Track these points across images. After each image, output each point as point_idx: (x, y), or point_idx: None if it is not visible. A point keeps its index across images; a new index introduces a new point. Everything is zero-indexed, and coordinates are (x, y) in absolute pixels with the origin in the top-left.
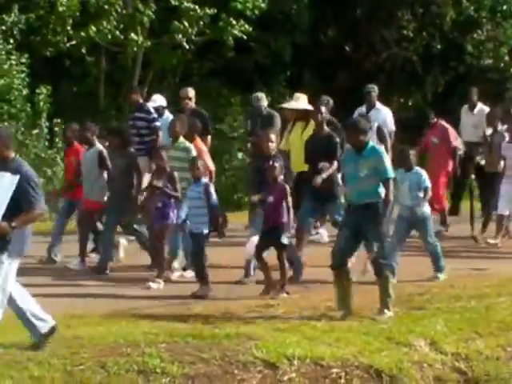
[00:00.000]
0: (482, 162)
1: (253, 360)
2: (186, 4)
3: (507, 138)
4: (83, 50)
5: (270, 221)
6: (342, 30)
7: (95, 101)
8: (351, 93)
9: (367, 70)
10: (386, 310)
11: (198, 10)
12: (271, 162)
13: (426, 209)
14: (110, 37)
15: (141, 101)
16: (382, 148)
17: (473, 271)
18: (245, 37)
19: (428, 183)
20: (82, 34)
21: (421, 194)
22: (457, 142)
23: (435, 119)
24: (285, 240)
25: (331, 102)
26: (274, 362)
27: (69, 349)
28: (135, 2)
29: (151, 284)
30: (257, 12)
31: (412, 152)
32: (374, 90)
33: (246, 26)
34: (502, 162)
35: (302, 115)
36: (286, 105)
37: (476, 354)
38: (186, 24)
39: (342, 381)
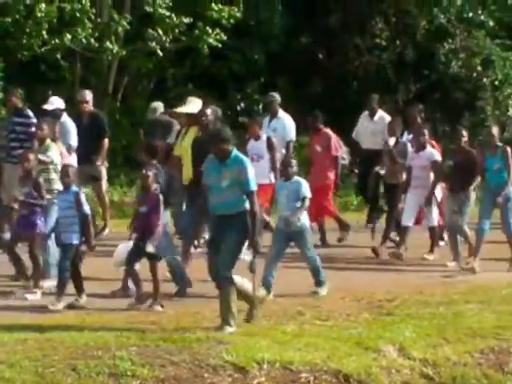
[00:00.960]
0: (382, 172)
1: (223, 364)
2: (161, 11)
3: (410, 148)
4: (58, 56)
5: (140, 230)
6: (315, 38)
7: (70, 105)
8: (324, 99)
9: (340, 77)
10: (226, 326)
11: (174, 18)
12: (144, 171)
13: (304, 220)
14: (85, 43)
15: (20, 105)
16: (246, 159)
17: (442, 278)
18: (220, 45)
19: (308, 193)
20: (58, 40)
21: (298, 205)
22: (340, 151)
23: (320, 126)
24: (149, 248)
25: (219, 111)
26: (243, 365)
27: (40, 351)
28: (110, 11)
29: (27, 295)
30: (232, 21)
31: (294, 162)
32: (275, 98)
33: (222, 35)
34: (403, 173)
35: (195, 120)
36: (177, 109)
37: (444, 360)
38: (161, 32)
39: None
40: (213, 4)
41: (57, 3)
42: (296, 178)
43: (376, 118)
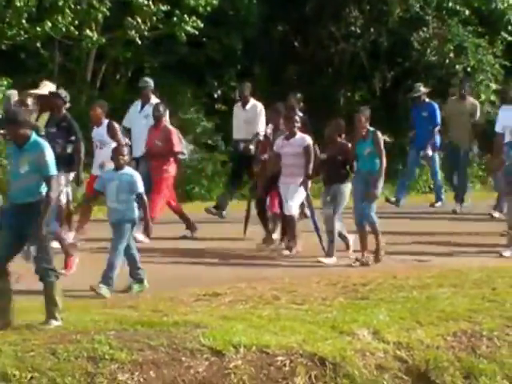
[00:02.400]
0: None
1: (200, 347)
2: (139, 0)
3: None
4: (38, 44)
5: None
6: (291, 26)
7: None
8: (299, 86)
9: (316, 65)
10: (52, 320)
11: (152, 6)
12: None
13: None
14: (64, 31)
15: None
16: (45, 143)
17: (416, 262)
18: (197, 32)
19: (141, 188)
20: (38, 28)
21: (133, 197)
22: (180, 147)
23: (162, 122)
24: None
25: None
26: (220, 349)
27: (20, 336)
28: None
29: None
30: (209, 8)
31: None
32: (148, 84)
33: (199, 22)
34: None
35: (47, 103)
36: (30, 91)
37: (417, 343)
38: (139, 20)
39: (287, 368)
40: None
41: None
42: (128, 169)
43: (248, 106)
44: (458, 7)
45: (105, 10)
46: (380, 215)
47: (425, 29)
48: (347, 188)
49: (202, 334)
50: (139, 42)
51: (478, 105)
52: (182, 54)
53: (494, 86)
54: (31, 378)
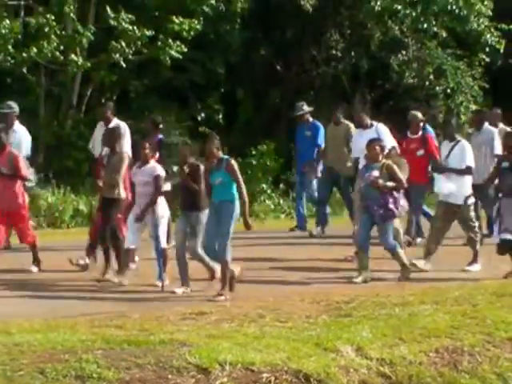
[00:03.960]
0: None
1: (186, 365)
2: (124, 25)
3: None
4: (24, 70)
5: None
6: (273, 50)
7: (36, 117)
8: (282, 109)
9: (297, 88)
10: None
11: (136, 31)
12: None
13: None
14: (50, 56)
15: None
16: None
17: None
18: (181, 56)
19: None
20: (24, 54)
21: None
22: (28, 172)
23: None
24: None
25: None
26: (206, 367)
27: (8, 355)
28: (74, 24)
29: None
30: (192, 33)
31: None
32: (13, 109)
33: (182, 47)
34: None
35: None
36: None
37: (400, 359)
38: (124, 44)
39: None
40: (174, 17)
41: (21, 19)
42: None
43: (112, 125)
44: (435, 29)
45: (89, 34)
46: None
47: (404, 52)
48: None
49: (189, 352)
50: (124, 66)
51: (353, 128)
52: (166, 77)
53: (473, 107)
54: None
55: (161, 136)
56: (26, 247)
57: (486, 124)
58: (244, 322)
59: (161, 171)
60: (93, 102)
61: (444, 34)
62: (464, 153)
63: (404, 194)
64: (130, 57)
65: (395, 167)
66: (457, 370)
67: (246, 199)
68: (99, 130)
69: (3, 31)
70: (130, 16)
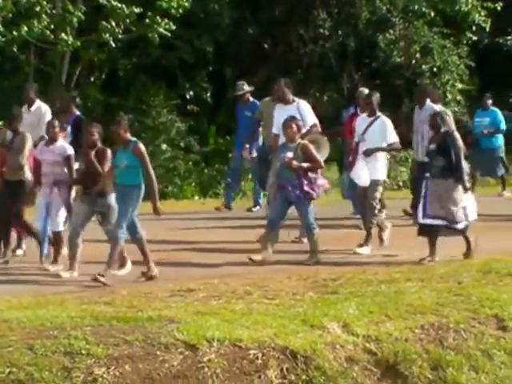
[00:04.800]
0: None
1: (174, 342)
2: (113, 3)
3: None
4: (14, 48)
5: None
6: (261, 29)
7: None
8: (269, 87)
9: (285, 66)
10: None
11: (125, 9)
12: None
13: None
14: (40, 35)
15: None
16: None
17: (384, 257)
18: (169, 34)
19: None
20: (14, 32)
21: None
22: None
23: None
24: None
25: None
26: (194, 343)
27: None
28: (65, 2)
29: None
30: (181, 11)
31: None
32: None
33: (171, 24)
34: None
35: None
36: None
37: (386, 336)
38: (113, 23)
39: (259, 361)
40: None
41: None
42: None
43: (33, 108)
44: (423, 9)
45: (79, 13)
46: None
47: (391, 31)
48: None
49: (177, 329)
50: (113, 45)
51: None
52: (154, 56)
53: (459, 85)
54: (9, 372)
55: (78, 113)
56: None
57: (428, 101)
58: (231, 299)
59: (71, 150)
60: (82, 81)
61: (432, 14)
62: (385, 129)
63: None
64: (119, 36)
65: (311, 147)
66: (442, 346)
67: (155, 184)
68: (24, 114)
69: None
70: None
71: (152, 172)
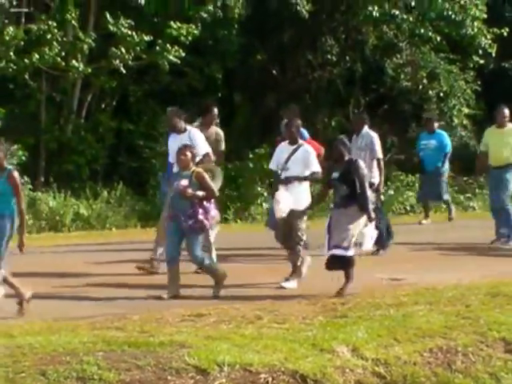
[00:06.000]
0: None
1: (185, 367)
2: (123, 30)
3: None
4: (26, 76)
5: None
6: (269, 55)
7: (37, 122)
8: (278, 113)
9: (293, 92)
10: None
11: (135, 37)
12: None
13: None
14: (51, 62)
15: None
16: None
17: (391, 281)
18: (179, 61)
19: None
20: (26, 60)
21: None
22: None
23: None
24: None
25: None
26: (205, 368)
27: (11, 358)
28: (76, 30)
29: None
30: (190, 38)
31: None
32: None
33: (180, 51)
34: None
35: None
36: None
37: (395, 359)
38: (123, 50)
39: None
40: (172, 22)
41: (23, 25)
42: None
43: None
44: (429, 33)
45: (90, 41)
46: None
47: (398, 56)
48: None
49: (188, 354)
50: (123, 72)
51: (222, 134)
52: (164, 82)
53: (466, 110)
54: None
55: None
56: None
57: (366, 127)
58: (242, 324)
59: None
60: (93, 108)
61: (438, 39)
62: (308, 157)
63: None
64: (130, 62)
65: (206, 175)
66: (451, 369)
67: (24, 217)
68: None
69: (6, 37)
70: (128, 21)
71: (23, 203)
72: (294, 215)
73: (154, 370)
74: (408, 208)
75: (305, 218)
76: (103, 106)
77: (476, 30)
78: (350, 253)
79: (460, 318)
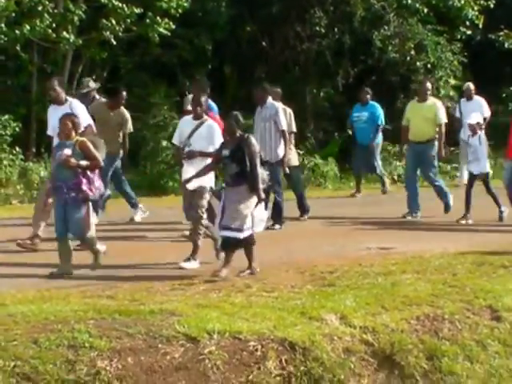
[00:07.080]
0: None
1: (175, 334)
2: (114, 2)
3: None
4: (17, 47)
5: None
6: (258, 27)
7: (29, 93)
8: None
9: (283, 64)
10: None
11: (126, 9)
12: None
13: None
14: (42, 34)
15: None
16: None
17: (380, 250)
18: (169, 34)
19: None
20: (17, 32)
21: None
22: None
23: None
24: None
25: None
26: (195, 336)
27: (2, 326)
28: (66, 1)
29: None
30: (180, 10)
31: None
32: None
33: (171, 24)
34: None
35: None
36: None
37: (382, 327)
38: (114, 22)
39: (259, 353)
40: None
41: None
42: None
43: None
44: (417, 5)
45: (80, 12)
46: None
47: (386, 27)
48: None
49: (178, 322)
50: (114, 43)
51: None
52: (155, 54)
53: (452, 81)
54: (14, 366)
55: None
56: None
57: (270, 99)
58: (231, 292)
59: None
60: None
61: (425, 10)
62: (213, 133)
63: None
64: (120, 34)
65: (90, 144)
66: (438, 337)
67: None
68: None
69: None
70: None
71: None
72: (196, 193)
73: (145, 337)
74: (395, 178)
75: (207, 196)
76: (94, 77)
77: (463, 1)
78: (242, 235)
79: (447, 287)
